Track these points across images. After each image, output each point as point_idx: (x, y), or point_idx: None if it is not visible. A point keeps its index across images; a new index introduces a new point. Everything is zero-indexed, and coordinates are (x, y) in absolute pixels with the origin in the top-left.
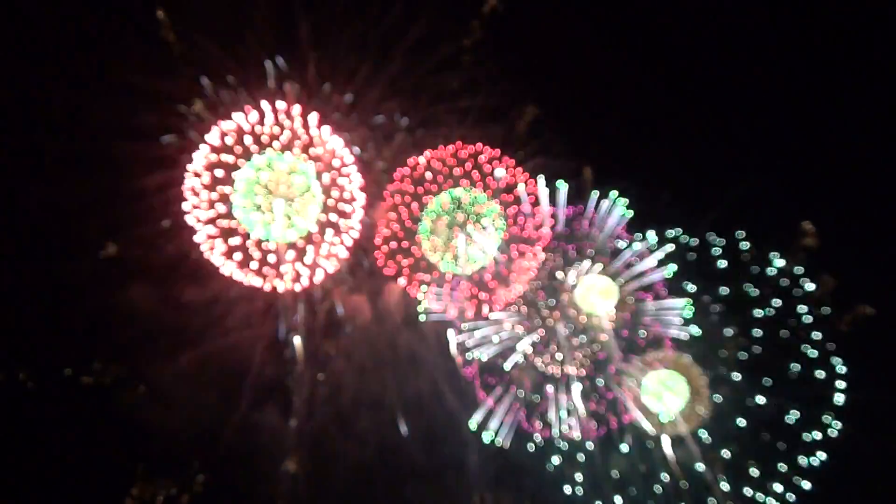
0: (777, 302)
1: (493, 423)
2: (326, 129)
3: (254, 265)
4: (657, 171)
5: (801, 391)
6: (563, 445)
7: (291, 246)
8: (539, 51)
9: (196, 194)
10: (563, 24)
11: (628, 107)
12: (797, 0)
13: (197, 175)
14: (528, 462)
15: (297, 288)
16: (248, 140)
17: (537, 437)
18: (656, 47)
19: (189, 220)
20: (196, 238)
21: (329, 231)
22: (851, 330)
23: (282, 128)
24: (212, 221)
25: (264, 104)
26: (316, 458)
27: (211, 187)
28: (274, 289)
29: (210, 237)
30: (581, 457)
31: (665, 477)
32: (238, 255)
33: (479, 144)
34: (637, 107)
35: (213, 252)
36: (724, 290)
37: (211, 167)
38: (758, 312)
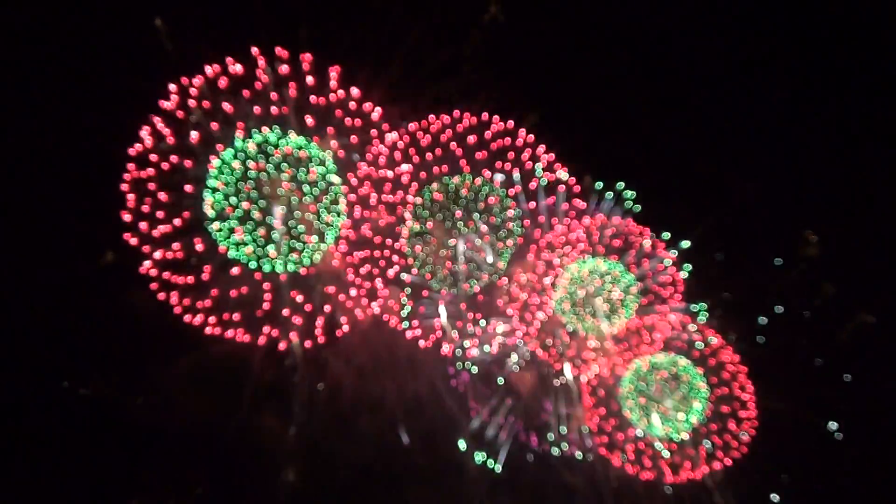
0: (779, 308)
1: (487, 442)
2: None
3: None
4: (658, 177)
5: (804, 399)
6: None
7: (296, 280)
8: (540, 59)
9: (140, 195)
10: (564, 34)
11: (629, 113)
12: (800, 6)
13: (142, 165)
14: (527, 469)
15: (307, 344)
16: (227, 107)
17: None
18: (658, 54)
19: (131, 238)
20: (144, 269)
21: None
22: (852, 338)
23: (282, 90)
24: (166, 241)
25: (254, 51)
26: (314, 466)
27: (165, 185)
28: (268, 340)
29: (159, 264)
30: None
31: (668, 490)
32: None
33: (485, 114)
34: (638, 113)
35: (168, 291)
36: (725, 296)
37: (165, 153)
38: (762, 319)
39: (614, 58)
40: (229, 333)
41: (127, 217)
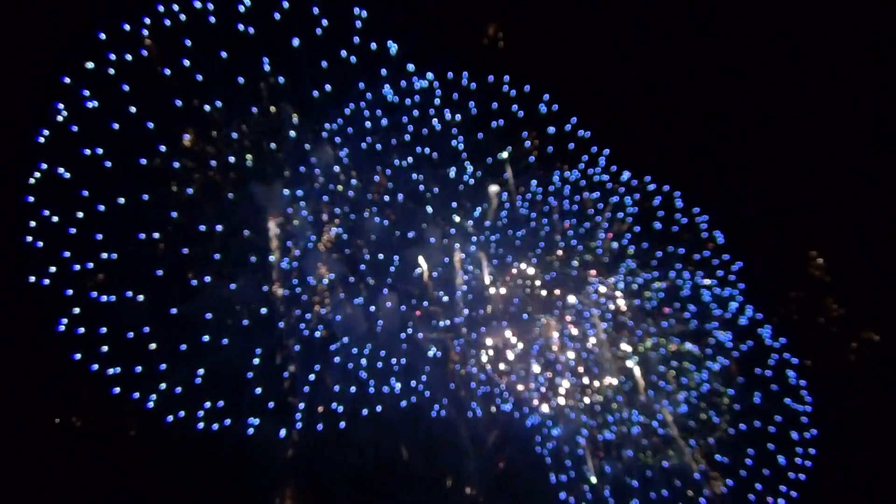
0: None
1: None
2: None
3: None
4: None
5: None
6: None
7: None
8: (542, 77)
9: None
10: (565, 51)
11: (631, 122)
12: (805, 8)
13: (58, 161)
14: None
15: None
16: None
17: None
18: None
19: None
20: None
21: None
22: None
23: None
24: (98, 280)
25: None
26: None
27: (98, 193)
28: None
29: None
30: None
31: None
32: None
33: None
34: (640, 122)
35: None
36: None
37: (94, 140)
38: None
39: (614, 81)
40: (200, 424)
41: (37, 243)
